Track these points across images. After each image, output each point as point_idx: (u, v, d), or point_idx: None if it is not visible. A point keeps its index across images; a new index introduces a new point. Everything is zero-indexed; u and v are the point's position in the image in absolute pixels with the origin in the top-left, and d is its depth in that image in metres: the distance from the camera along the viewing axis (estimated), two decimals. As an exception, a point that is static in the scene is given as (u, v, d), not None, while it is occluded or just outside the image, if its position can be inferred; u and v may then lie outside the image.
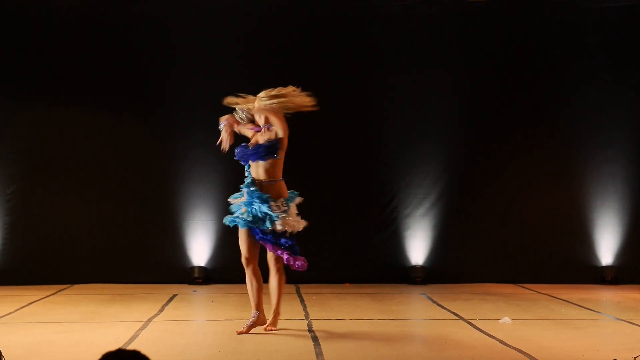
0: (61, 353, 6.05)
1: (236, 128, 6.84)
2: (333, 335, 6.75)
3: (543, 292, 9.58)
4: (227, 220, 6.79)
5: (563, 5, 10.55)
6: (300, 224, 6.73)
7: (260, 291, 6.82)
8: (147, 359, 2.93)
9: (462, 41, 10.54)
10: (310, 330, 7.02)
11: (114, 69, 10.31)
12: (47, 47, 10.29)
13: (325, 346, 6.30)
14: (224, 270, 10.22)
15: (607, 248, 10.43)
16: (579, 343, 6.43)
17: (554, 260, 10.44)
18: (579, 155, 10.54)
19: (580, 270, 10.41)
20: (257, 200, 6.63)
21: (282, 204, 6.65)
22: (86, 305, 8.48)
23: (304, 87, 10.47)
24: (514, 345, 6.27)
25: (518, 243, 10.49)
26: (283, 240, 6.64)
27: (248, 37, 10.42)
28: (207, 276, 10.25)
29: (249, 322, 6.78)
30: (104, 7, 10.35)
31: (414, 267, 10.29)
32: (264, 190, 6.66)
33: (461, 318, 7.68)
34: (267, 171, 6.72)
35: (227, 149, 6.88)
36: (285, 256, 6.63)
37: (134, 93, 10.35)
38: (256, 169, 6.75)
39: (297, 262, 6.65)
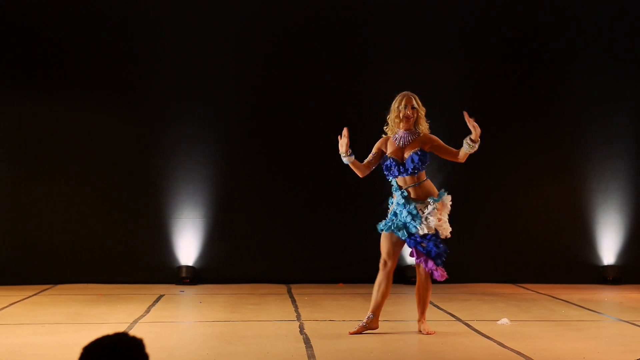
0: (44, 355, 6.04)
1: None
2: (325, 337, 6.68)
3: (543, 292, 9.57)
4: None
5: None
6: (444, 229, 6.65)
7: (385, 297, 6.77)
8: (134, 342, 2.69)
9: (463, 34, 10.51)
10: (302, 331, 6.95)
11: (99, 64, 10.26)
12: (31, 42, 10.22)
13: (317, 348, 6.23)
14: (212, 270, 10.20)
15: (608, 247, 10.43)
16: (579, 345, 6.41)
17: (554, 259, 10.42)
18: (580, 152, 10.54)
19: (581, 270, 10.41)
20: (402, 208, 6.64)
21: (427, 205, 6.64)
22: (69, 306, 8.43)
23: (299, 82, 10.44)
24: (512, 348, 6.23)
25: (517, 242, 10.48)
26: (429, 244, 6.58)
27: (239, 32, 10.43)
28: (195, 276, 10.21)
29: (362, 323, 6.76)
30: (91, 2, 10.27)
31: (409, 267, 10.20)
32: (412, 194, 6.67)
33: (458, 319, 7.64)
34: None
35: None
36: (423, 264, 6.62)
37: (120, 88, 10.32)
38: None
39: (436, 272, 6.61)
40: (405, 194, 6.64)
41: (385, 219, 6.77)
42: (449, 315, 7.86)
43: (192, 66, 10.27)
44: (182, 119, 10.23)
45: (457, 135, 10.27)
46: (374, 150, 6.85)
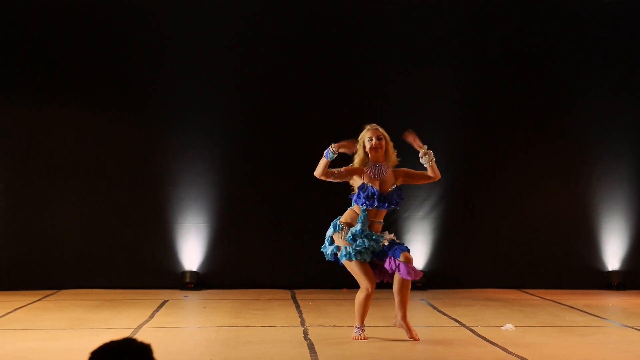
0: (48, 361, 6.04)
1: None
2: (329, 343, 6.65)
3: (547, 298, 9.54)
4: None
5: (569, 2, 10.51)
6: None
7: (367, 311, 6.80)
8: (142, 348, 2.68)
9: (464, 39, 10.49)
10: (306, 337, 6.93)
11: (103, 68, 10.26)
12: (35, 46, 10.22)
13: (321, 354, 6.20)
14: (216, 275, 10.19)
15: (613, 252, 10.39)
16: (584, 351, 6.40)
17: (558, 265, 10.40)
18: (584, 158, 10.51)
19: (585, 275, 10.38)
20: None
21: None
22: (74, 312, 8.41)
23: (300, 85, 10.43)
24: (517, 353, 6.20)
25: (522, 247, 10.44)
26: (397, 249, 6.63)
27: (242, 37, 10.40)
28: (199, 281, 10.19)
29: (360, 335, 6.77)
30: (93, 4, 10.27)
31: (414, 272, 10.14)
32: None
33: (463, 325, 7.61)
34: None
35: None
36: (397, 270, 6.61)
37: (124, 93, 10.31)
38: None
39: (404, 269, 6.61)
40: (368, 229, 6.67)
41: (333, 246, 6.76)
42: (453, 321, 7.83)
43: (196, 71, 10.25)
44: (186, 124, 10.21)
45: (458, 139, 10.33)
46: (345, 169, 6.79)
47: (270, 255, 10.29)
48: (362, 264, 6.67)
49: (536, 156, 10.46)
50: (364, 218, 6.66)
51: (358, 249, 6.62)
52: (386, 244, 6.62)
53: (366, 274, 6.66)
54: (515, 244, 10.41)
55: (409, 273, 6.54)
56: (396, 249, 6.59)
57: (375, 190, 6.66)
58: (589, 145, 10.48)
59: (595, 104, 10.49)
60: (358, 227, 6.65)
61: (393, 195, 6.69)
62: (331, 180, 6.81)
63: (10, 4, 10.18)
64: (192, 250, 10.20)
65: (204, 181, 10.21)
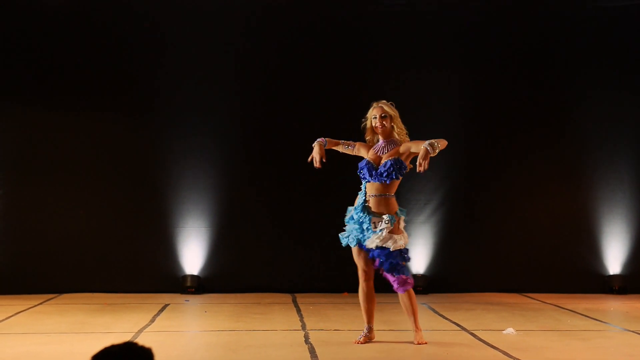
0: (48, 365, 6.04)
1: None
2: (330, 347, 6.64)
3: (548, 301, 9.53)
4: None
5: (571, 4, 10.52)
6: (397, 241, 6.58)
7: (375, 305, 6.80)
8: (143, 352, 2.69)
9: (466, 42, 10.49)
10: (307, 341, 6.92)
11: (104, 72, 10.26)
12: (35, 49, 10.22)
13: (322, 358, 6.20)
14: (217, 279, 10.18)
15: (614, 256, 10.38)
16: (585, 355, 6.39)
17: (559, 269, 10.39)
18: (585, 162, 10.50)
19: (586, 279, 10.37)
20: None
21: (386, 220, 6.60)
22: (75, 316, 8.41)
23: (301, 89, 10.43)
24: (518, 357, 6.20)
25: (522, 251, 10.43)
26: (381, 258, 6.59)
27: (243, 41, 10.41)
28: (200, 285, 10.18)
29: (363, 335, 6.78)
30: (94, 7, 10.28)
31: (415, 276, 10.16)
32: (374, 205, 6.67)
33: (464, 329, 7.61)
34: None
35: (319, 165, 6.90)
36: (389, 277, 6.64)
37: (125, 97, 10.30)
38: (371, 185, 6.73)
39: (395, 284, 6.64)
40: (365, 204, 6.65)
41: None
42: (454, 325, 7.82)
43: (197, 75, 10.26)
44: (187, 128, 10.21)
45: (459, 143, 10.32)
46: (357, 143, 6.91)
47: (271, 259, 10.29)
48: (354, 249, 6.72)
49: (537, 160, 10.46)
50: (363, 191, 6.69)
51: (347, 233, 6.70)
52: (373, 245, 6.52)
53: (357, 261, 6.73)
54: (516, 248, 10.40)
55: (400, 286, 6.58)
56: (383, 261, 6.57)
57: (365, 163, 6.69)
58: (590, 149, 10.47)
59: (596, 108, 10.48)
60: (359, 200, 6.68)
61: (382, 166, 6.63)
62: (341, 151, 6.95)
63: (11, 6, 10.17)
64: (193, 254, 10.20)
65: (205, 185, 10.21)
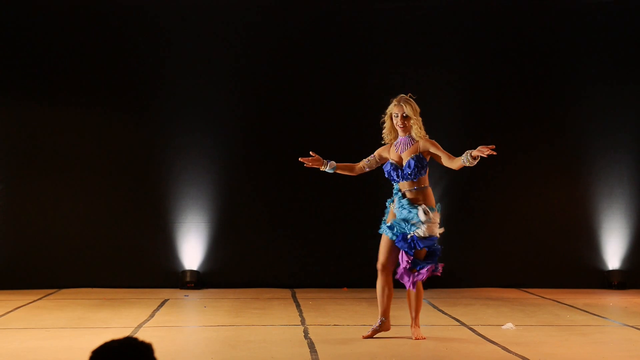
0: (48, 360, 6.02)
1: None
2: (330, 342, 6.66)
3: (547, 297, 9.53)
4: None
5: (568, 1, 10.50)
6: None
7: (391, 299, 6.85)
8: (143, 347, 2.68)
9: (466, 40, 10.48)
10: (306, 336, 6.93)
11: (104, 68, 10.25)
12: (36, 45, 10.22)
13: (321, 353, 6.20)
14: (217, 274, 10.18)
15: (613, 252, 10.37)
16: (584, 350, 6.40)
17: (558, 264, 10.38)
18: (584, 158, 10.49)
19: (586, 274, 10.36)
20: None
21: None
22: (74, 311, 8.41)
23: (300, 86, 10.43)
24: (517, 353, 6.20)
25: (522, 246, 10.43)
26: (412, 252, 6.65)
27: (243, 38, 10.41)
28: (200, 280, 10.17)
29: (374, 326, 6.81)
30: (95, 5, 10.27)
31: (414, 272, 10.14)
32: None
33: (463, 324, 7.61)
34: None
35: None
36: (402, 272, 6.72)
37: (125, 92, 10.30)
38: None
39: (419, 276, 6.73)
40: (401, 195, 6.71)
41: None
42: (453, 320, 7.83)
43: (197, 72, 10.24)
44: (187, 124, 10.21)
45: (458, 141, 10.32)
46: (374, 154, 6.95)
47: (271, 255, 10.29)
48: (383, 238, 6.76)
49: (536, 156, 10.45)
50: (396, 190, 6.75)
51: (388, 224, 6.71)
52: (420, 233, 6.57)
53: (380, 250, 6.76)
54: (515, 243, 10.39)
55: (409, 281, 6.68)
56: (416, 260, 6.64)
57: (390, 165, 6.74)
58: (589, 144, 10.46)
59: (595, 104, 10.47)
60: (396, 199, 6.73)
61: (407, 167, 6.68)
62: (369, 169, 6.98)
63: (12, 4, 10.17)
64: (192, 249, 10.19)
65: (205, 180, 10.20)
